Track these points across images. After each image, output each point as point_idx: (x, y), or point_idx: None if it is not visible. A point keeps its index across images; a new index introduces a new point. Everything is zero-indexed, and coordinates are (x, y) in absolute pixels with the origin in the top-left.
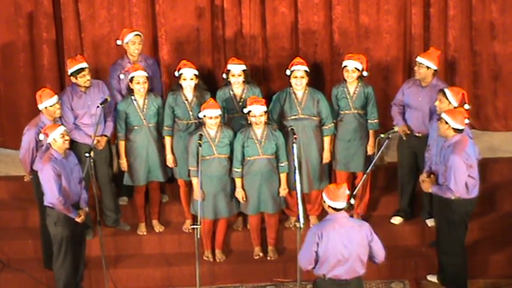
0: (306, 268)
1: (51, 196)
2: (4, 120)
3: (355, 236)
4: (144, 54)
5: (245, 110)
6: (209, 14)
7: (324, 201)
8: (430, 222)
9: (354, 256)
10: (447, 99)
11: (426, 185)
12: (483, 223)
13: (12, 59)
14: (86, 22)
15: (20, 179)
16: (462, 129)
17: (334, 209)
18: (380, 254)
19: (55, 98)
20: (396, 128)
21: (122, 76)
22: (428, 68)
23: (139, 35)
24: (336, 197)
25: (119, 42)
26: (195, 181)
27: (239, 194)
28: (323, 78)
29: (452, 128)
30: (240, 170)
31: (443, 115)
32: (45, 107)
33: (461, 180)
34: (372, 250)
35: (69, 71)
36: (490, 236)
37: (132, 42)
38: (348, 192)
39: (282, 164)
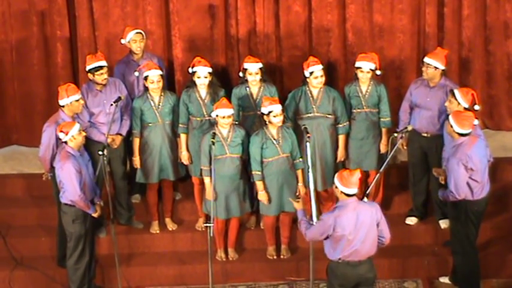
0: (311, 241)
1: (73, 193)
2: (18, 117)
3: (366, 218)
4: (148, 52)
5: (265, 111)
6: (223, 12)
7: (336, 187)
8: (443, 224)
9: (366, 237)
10: (456, 100)
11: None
12: (496, 223)
13: (26, 57)
14: (99, 20)
15: (34, 177)
16: (467, 134)
17: (346, 194)
18: (387, 234)
19: (79, 93)
20: (410, 127)
21: (136, 74)
22: (436, 68)
23: (141, 33)
24: (349, 184)
25: (122, 41)
26: (207, 181)
27: (262, 197)
28: (336, 77)
29: (456, 132)
30: (260, 173)
31: (450, 117)
32: (71, 102)
33: (460, 183)
34: (379, 231)
35: (88, 67)
36: (503, 236)
37: (133, 40)
38: (359, 176)
39: (298, 161)
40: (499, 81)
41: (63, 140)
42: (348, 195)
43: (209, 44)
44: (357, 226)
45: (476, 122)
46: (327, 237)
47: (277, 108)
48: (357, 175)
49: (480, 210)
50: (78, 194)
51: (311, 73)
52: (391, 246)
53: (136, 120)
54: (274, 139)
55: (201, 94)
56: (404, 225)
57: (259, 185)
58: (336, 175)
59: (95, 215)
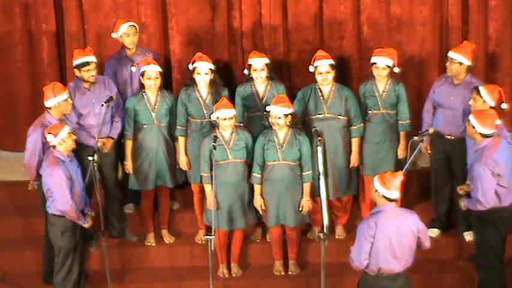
0: (361, 265)
1: (63, 202)
2: (0, 119)
3: (407, 227)
4: (142, 47)
5: (267, 109)
6: (225, 3)
7: (376, 190)
8: (468, 236)
9: (406, 248)
10: (482, 97)
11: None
12: None
13: (8, 53)
14: (89, 12)
15: (18, 185)
16: (491, 134)
17: (387, 198)
18: (427, 241)
19: (67, 92)
20: (431, 130)
21: (133, 69)
22: (461, 63)
23: (134, 26)
24: (391, 186)
25: (113, 35)
26: (208, 188)
27: (257, 202)
28: (350, 75)
29: (479, 133)
30: (259, 176)
31: (471, 117)
32: (58, 103)
33: (489, 191)
34: (419, 239)
35: (74, 63)
36: None
37: (126, 34)
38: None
39: (306, 173)
40: None
41: (52, 144)
42: (389, 200)
43: (210, 38)
44: (398, 235)
45: (498, 121)
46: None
47: (275, 110)
48: (400, 177)
49: (508, 217)
50: (69, 203)
51: (316, 68)
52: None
53: (129, 121)
54: (278, 143)
55: (202, 93)
56: None
57: (256, 188)
58: (376, 178)
59: (86, 225)
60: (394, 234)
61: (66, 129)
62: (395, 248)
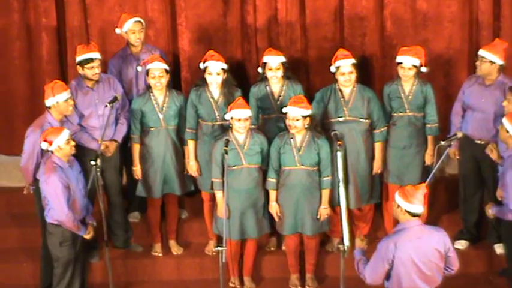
0: (374, 284)
1: (59, 212)
2: None
3: (430, 246)
4: (149, 44)
5: (284, 110)
6: None
7: (398, 206)
8: (499, 249)
9: (433, 266)
10: None
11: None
12: None
13: (5, 49)
14: (92, 6)
15: (15, 191)
16: None
17: (410, 213)
18: (456, 263)
19: (68, 91)
20: (459, 134)
21: (139, 69)
22: (492, 62)
23: (140, 22)
24: (414, 199)
25: (117, 30)
26: (219, 195)
27: (273, 208)
28: (372, 75)
29: None
30: (274, 181)
31: (504, 120)
32: (57, 102)
33: None
34: (447, 259)
35: (77, 59)
36: None
37: (131, 30)
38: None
39: (325, 179)
40: None
41: (50, 150)
42: (413, 215)
43: (222, 34)
44: (421, 254)
45: None
46: (389, 272)
47: (292, 111)
48: (423, 190)
49: None
50: (66, 213)
51: (337, 68)
52: None
53: (136, 123)
54: (295, 146)
55: (213, 94)
56: None
57: (271, 194)
58: (397, 192)
59: (87, 237)
60: (416, 254)
61: (64, 135)
62: (420, 268)
